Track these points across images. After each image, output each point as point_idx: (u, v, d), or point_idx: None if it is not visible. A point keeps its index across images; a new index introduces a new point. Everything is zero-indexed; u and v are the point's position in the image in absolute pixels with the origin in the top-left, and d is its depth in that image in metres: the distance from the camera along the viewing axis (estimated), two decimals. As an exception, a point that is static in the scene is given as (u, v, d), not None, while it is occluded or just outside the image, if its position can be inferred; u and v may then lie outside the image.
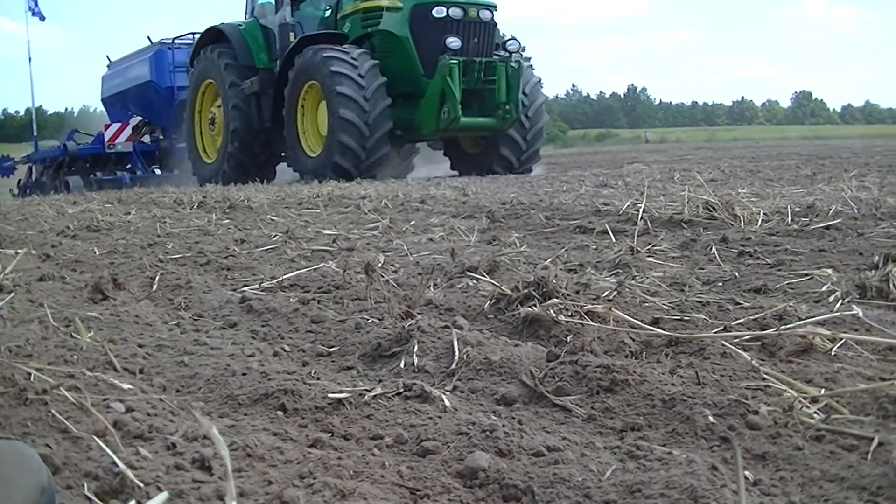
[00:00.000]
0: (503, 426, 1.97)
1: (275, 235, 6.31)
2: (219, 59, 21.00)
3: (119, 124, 26.33)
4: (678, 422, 2.00)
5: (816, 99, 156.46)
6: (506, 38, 18.89)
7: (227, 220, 7.96)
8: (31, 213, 9.74)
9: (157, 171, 26.08)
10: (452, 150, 20.92)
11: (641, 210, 6.07)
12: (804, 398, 2.14)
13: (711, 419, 1.97)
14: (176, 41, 26.35)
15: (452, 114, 17.43)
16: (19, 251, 5.30)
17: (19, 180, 28.87)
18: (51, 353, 2.67)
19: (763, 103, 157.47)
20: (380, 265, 4.20)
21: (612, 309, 2.88)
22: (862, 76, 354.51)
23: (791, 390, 2.19)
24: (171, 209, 9.72)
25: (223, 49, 21.16)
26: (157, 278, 4.46)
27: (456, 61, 17.44)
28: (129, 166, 26.38)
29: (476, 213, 7.23)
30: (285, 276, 4.32)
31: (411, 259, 4.78)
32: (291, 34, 19.88)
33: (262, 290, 4.07)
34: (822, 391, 2.21)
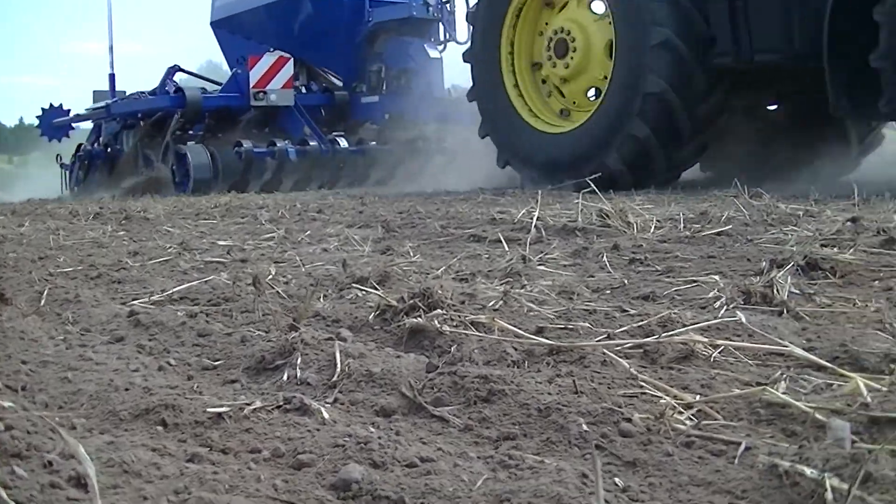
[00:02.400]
0: (378, 438, 1.98)
1: (169, 247, 6.26)
2: None
3: (274, 58, 16.41)
4: (552, 430, 2.03)
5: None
6: None
7: (122, 232, 7.89)
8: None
9: (344, 143, 16.54)
10: None
11: (535, 218, 6.11)
12: (679, 405, 2.18)
13: (585, 427, 2.00)
14: None
15: None
16: None
17: (80, 146, 19.44)
18: (-68, 370, 2.63)
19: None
20: (270, 277, 4.20)
21: (495, 319, 2.91)
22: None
23: (666, 397, 2.23)
24: (67, 220, 9.61)
25: None
26: (45, 293, 4.40)
27: None
28: (281, 130, 16.80)
29: (372, 223, 7.24)
30: (175, 289, 4.29)
31: (304, 270, 4.78)
32: None
33: (151, 304, 4.04)
34: (697, 397, 2.25)
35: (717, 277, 4.02)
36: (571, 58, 11.52)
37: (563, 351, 2.68)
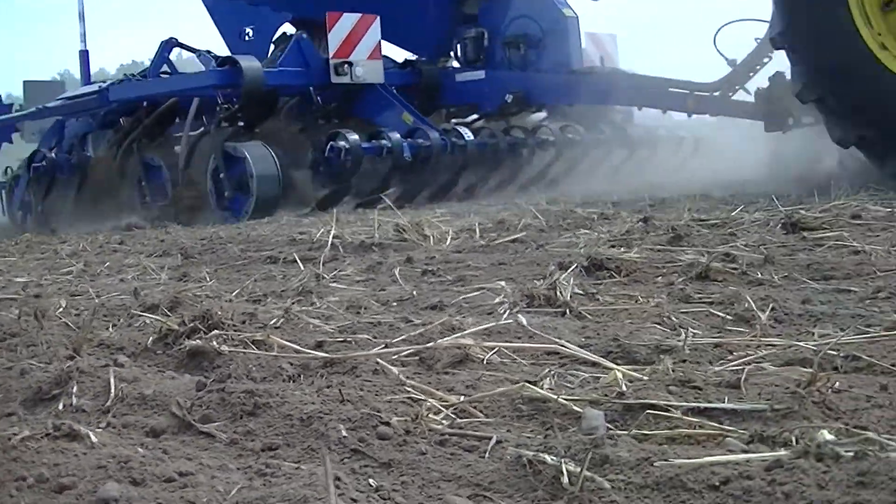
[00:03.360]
0: (142, 457, 2.01)
1: (-35, 288, 6.13)
2: None
3: (356, 17, 11.69)
4: (314, 438, 2.07)
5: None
6: None
7: (-87, 277, 7.68)
8: None
9: (468, 135, 11.92)
10: None
11: (331, 236, 6.15)
12: (443, 405, 2.25)
13: (345, 433, 2.05)
14: None
15: None
16: None
17: (34, 153, 13.91)
18: None
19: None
20: (60, 309, 4.16)
21: (270, 336, 2.95)
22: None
23: (431, 399, 2.30)
24: None
25: None
26: None
27: None
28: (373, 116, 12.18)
29: (172, 251, 7.17)
30: (-38, 331, 4.22)
31: (97, 301, 4.74)
32: None
33: (-66, 349, 3.97)
34: (462, 398, 2.32)
35: (503, 283, 4.11)
36: None
37: (338, 363, 2.74)
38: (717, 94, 11.47)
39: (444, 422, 2.14)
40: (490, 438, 2.00)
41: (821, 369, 2.49)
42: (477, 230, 6.24)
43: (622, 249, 4.86)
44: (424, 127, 11.66)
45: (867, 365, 2.56)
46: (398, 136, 11.18)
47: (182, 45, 13.04)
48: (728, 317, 3.34)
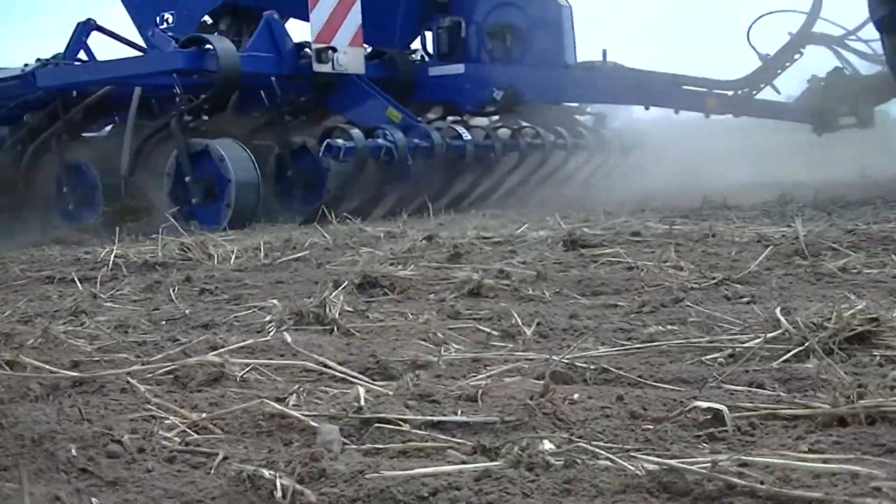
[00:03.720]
0: None
1: None
2: None
3: None
4: (44, 458, 2.06)
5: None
6: None
7: None
8: None
9: (466, 134, 10.64)
10: None
11: (113, 256, 6.09)
12: (183, 423, 2.27)
13: (74, 453, 2.05)
14: None
15: None
16: None
17: None
18: None
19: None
20: None
21: (20, 356, 2.92)
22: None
23: (173, 417, 2.32)
24: None
25: None
26: None
27: None
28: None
29: (-51, 272, 6.99)
30: None
31: None
32: None
33: None
34: (204, 415, 2.34)
35: (275, 301, 4.13)
36: None
37: (88, 382, 2.73)
38: (740, 92, 10.88)
39: (176, 439, 2.16)
40: (218, 455, 2.02)
41: (569, 382, 2.59)
42: (262, 249, 6.24)
43: (399, 267, 4.93)
44: (420, 125, 10.31)
45: (615, 377, 2.65)
46: (401, 134, 9.76)
47: (102, 29, 11.18)
48: (494, 332, 3.43)
